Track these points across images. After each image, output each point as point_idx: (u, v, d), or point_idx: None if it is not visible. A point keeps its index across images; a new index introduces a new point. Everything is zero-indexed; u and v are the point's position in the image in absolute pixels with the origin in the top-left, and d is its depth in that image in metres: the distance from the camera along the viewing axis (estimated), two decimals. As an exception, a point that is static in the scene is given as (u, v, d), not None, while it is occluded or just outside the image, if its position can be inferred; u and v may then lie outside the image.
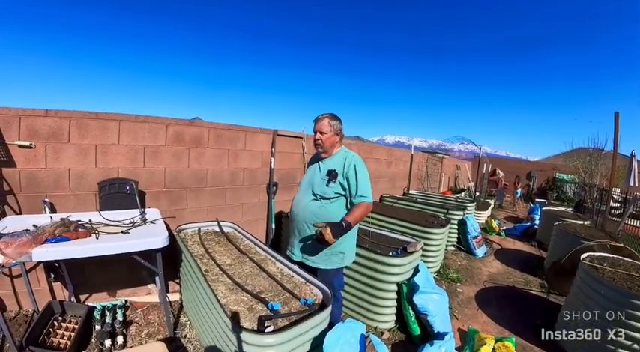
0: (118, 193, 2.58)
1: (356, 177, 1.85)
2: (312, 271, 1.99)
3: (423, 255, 2.95)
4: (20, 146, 2.33)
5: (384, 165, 6.28)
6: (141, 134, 2.74)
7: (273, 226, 3.68)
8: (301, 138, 3.95)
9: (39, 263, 2.42)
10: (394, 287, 2.47)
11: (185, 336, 2.29)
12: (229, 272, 2.04)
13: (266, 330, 1.44)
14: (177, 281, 2.69)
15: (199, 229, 2.80)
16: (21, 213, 2.36)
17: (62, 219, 1.99)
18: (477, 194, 7.99)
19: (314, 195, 1.93)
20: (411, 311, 2.42)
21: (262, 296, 1.76)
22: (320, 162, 2.01)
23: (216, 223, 2.92)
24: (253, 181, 3.58)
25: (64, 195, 2.50)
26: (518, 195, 9.48)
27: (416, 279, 2.45)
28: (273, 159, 3.62)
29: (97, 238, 1.92)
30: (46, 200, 2.39)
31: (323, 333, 1.57)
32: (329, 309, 1.65)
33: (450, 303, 2.86)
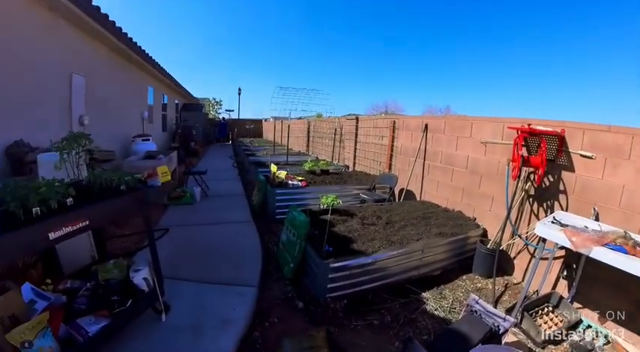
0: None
1: None
2: None
3: None
4: (582, 155, 2.70)
5: None
6: None
7: None
8: None
9: (563, 256, 2.72)
10: None
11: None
12: None
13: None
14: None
15: None
16: (566, 211, 2.78)
17: (624, 232, 2.11)
18: None
19: None
20: None
21: None
22: None
23: None
24: None
25: (611, 209, 2.53)
26: None
27: None
28: None
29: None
30: (595, 208, 2.60)
31: None
32: None
33: None
